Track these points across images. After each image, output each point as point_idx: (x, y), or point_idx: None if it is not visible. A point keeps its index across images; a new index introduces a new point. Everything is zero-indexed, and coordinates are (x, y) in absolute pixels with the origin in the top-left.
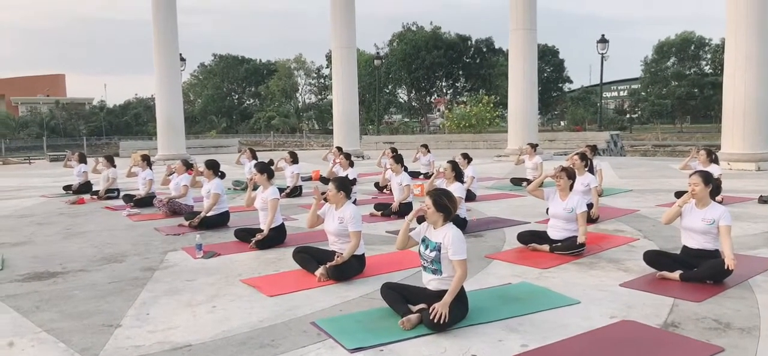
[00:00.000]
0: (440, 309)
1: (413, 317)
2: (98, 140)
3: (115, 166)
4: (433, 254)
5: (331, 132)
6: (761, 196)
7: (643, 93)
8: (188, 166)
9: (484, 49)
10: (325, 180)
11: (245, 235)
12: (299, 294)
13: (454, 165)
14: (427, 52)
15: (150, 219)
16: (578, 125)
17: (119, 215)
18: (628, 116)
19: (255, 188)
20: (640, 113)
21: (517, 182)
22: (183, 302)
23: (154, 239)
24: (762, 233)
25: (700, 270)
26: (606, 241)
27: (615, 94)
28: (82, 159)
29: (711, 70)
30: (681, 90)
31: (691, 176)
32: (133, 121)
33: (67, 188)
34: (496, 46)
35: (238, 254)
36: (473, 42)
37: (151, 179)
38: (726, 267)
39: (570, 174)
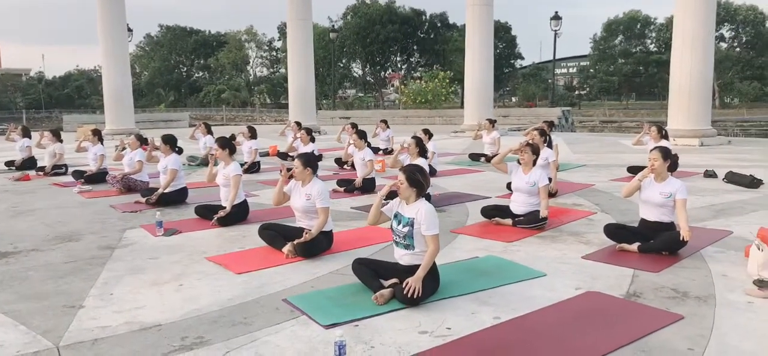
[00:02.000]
0: (413, 283)
1: (386, 291)
2: (37, 114)
3: (61, 141)
4: (405, 229)
5: (283, 106)
6: (706, 170)
7: (591, 70)
8: (142, 141)
9: (439, 24)
10: (283, 155)
11: (206, 212)
12: (268, 271)
13: (417, 141)
14: (382, 27)
15: (103, 196)
16: (530, 101)
17: (69, 191)
18: (576, 92)
19: (216, 164)
20: (588, 89)
21: (475, 157)
22: (148, 281)
23: (110, 216)
24: (709, 206)
25: (657, 242)
26: (566, 215)
27: (564, 70)
28: (26, 133)
29: (655, 49)
30: (627, 67)
31: (651, 151)
32: (75, 94)
33: (9, 163)
34: (451, 21)
35: (200, 231)
36: (428, 17)
37: (103, 155)
38: (681, 239)
39: (534, 149)
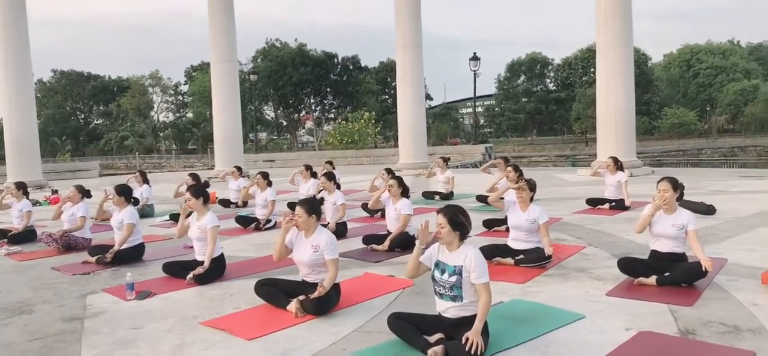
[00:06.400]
0: (474, 338)
1: (439, 349)
2: None
3: None
4: (452, 279)
5: (191, 152)
6: None
7: (497, 109)
8: (84, 193)
9: (351, 67)
10: (225, 202)
11: (177, 269)
12: (282, 334)
13: (399, 180)
14: (294, 69)
15: (39, 258)
16: (442, 139)
17: None
18: (484, 130)
19: (188, 215)
20: (495, 127)
21: (429, 195)
22: None
23: (59, 281)
24: None
25: (676, 274)
26: (560, 250)
27: (470, 110)
28: None
29: (554, 88)
30: (530, 106)
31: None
32: None
33: None
34: (363, 64)
35: (176, 292)
36: (340, 59)
37: (30, 211)
38: (703, 269)
39: (532, 186)
